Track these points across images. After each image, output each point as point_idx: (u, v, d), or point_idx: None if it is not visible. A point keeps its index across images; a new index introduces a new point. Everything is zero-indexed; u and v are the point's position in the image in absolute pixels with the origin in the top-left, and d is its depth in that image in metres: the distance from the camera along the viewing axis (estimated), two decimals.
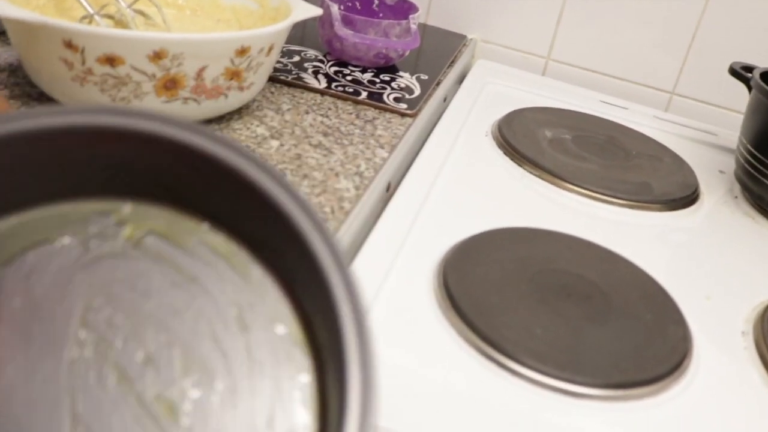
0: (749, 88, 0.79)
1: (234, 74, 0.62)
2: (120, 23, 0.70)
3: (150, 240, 0.37)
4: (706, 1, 0.98)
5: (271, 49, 0.64)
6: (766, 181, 0.75)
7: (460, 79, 0.96)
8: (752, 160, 0.77)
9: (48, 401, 0.33)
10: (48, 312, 0.35)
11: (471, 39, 1.05)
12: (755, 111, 0.78)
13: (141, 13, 0.72)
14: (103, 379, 0.33)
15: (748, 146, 0.78)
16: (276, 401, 0.33)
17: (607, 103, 0.98)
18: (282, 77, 0.77)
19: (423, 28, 1.05)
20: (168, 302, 0.35)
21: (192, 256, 0.36)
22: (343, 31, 0.81)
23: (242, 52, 0.61)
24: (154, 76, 0.58)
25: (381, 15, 0.93)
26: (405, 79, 0.83)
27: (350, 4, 0.92)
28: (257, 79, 0.65)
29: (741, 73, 0.82)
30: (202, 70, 0.60)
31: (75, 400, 0.33)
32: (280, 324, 0.35)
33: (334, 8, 0.82)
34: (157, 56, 0.57)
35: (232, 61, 0.61)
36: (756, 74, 0.78)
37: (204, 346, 0.34)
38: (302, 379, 0.34)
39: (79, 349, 0.34)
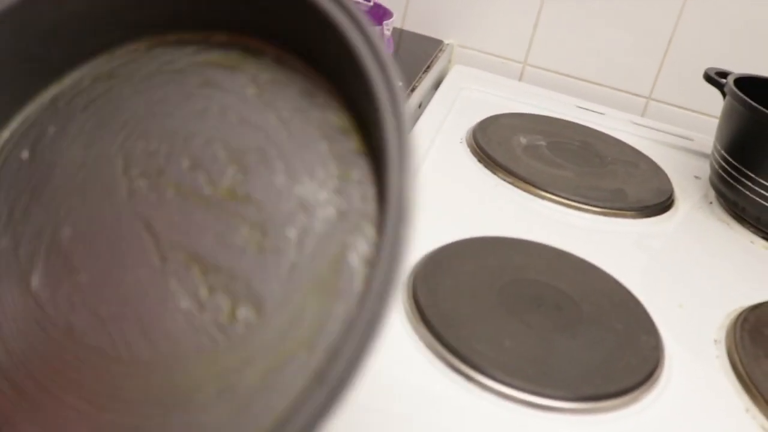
0: (723, 95, 0.79)
1: None
2: None
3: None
4: (682, 6, 0.98)
5: None
6: (739, 186, 0.75)
7: (437, 85, 0.96)
8: (726, 166, 0.77)
9: (125, 235, 0.35)
10: (88, 165, 0.37)
11: (448, 44, 1.05)
12: (729, 117, 0.78)
13: None
14: (164, 196, 0.35)
15: (722, 152, 0.78)
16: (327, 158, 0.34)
17: (583, 108, 0.98)
18: None
19: (399, 33, 1.05)
20: (189, 111, 0.37)
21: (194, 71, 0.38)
22: None
23: None
24: None
25: None
26: None
27: None
28: None
29: (715, 79, 0.82)
30: None
31: (150, 223, 0.35)
32: (306, 97, 0.35)
33: None
34: None
35: None
36: (730, 80, 0.78)
37: (238, 132, 0.35)
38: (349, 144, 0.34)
39: (131, 183, 0.36)
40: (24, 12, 0.36)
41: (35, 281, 0.35)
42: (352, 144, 0.34)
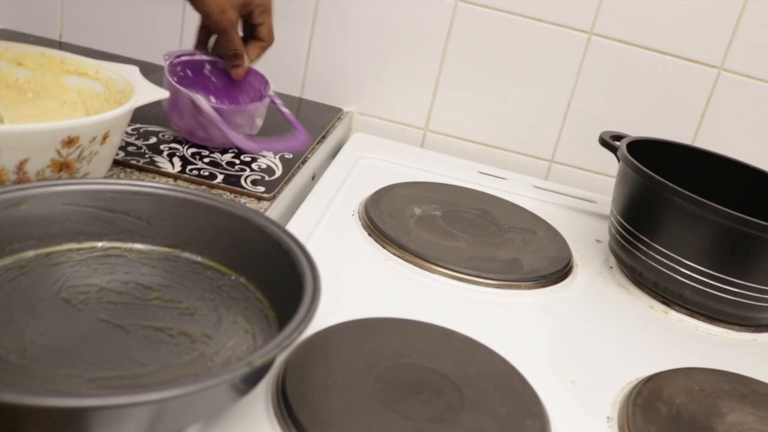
0: (618, 158, 0.79)
1: (63, 165, 0.58)
2: None
3: None
4: (579, 68, 0.99)
5: (106, 137, 0.60)
6: (636, 252, 0.74)
7: (335, 154, 0.93)
8: (622, 231, 0.76)
9: None
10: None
11: (347, 112, 1.03)
12: (622, 181, 0.77)
13: None
14: None
15: (618, 217, 0.77)
16: None
17: (485, 174, 0.97)
18: (133, 161, 0.72)
19: (298, 101, 1.03)
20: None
21: None
22: (224, 129, 0.76)
23: (70, 143, 0.57)
24: None
25: (215, 80, 0.85)
26: (267, 159, 0.80)
27: (182, 74, 0.82)
28: (93, 168, 0.61)
29: (610, 143, 0.81)
30: (23, 163, 0.55)
31: None
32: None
33: (202, 101, 0.76)
34: None
35: (59, 152, 0.57)
36: (623, 145, 0.78)
37: None
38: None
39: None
40: None
41: None
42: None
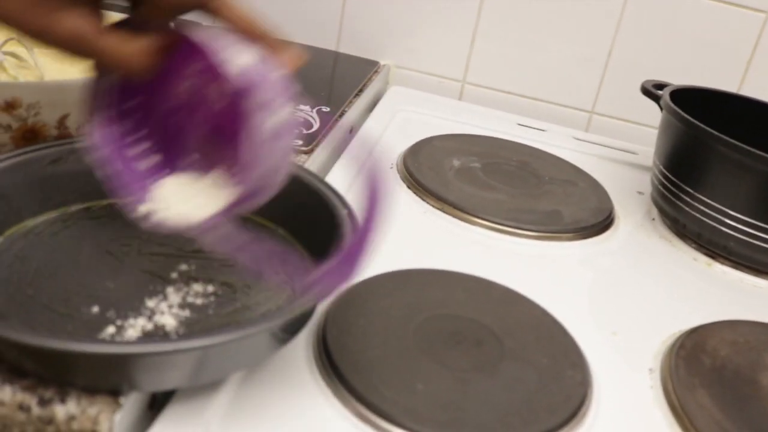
0: (661, 108, 0.77)
1: None
2: None
3: None
4: (620, 17, 0.96)
5: None
6: (679, 203, 0.73)
7: (372, 108, 0.93)
8: (665, 182, 0.74)
9: None
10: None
11: (384, 65, 1.02)
12: (665, 131, 0.76)
13: (13, 55, 0.67)
14: None
15: (661, 168, 0.75)
16: None
17: (524, 125, 0.95)
18: None
19: (334, 55, 1.02)
20: None
21: None
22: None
23: None
24: (9, 127, 0.54)
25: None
26: (304, 112, 0.79)
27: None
28: None
29: (652, 91, 0.79)
30: (63, 118, 0.55)
31: None
32: None
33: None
34: (10, 106, 0.53)
35: None
36: (666, 93, 0.76)
37: None
38: None
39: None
40: None
41: None
42: None
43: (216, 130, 0.46)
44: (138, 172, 0.47)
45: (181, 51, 0.43)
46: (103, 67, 0.44)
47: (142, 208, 0.45)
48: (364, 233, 0.40)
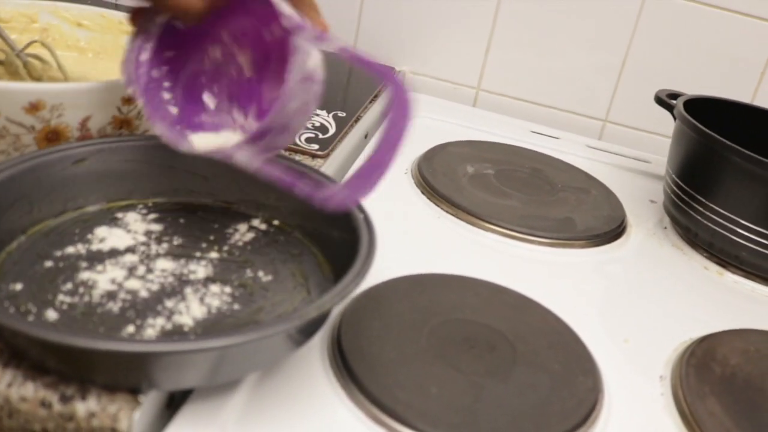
0: (674, 117, 0.78)
1: (123, 122, 0.59)
2: (10, 70, 0.67)
3: None
4: (634, 26, 0.97)
5: None
6: (691, 212, 0.73)
7: (388, 113, 0.93)
8: (678, 191, 0.75)
9: None
10: None
11: (400, 71, 1.03)
12: (679, 140, 0.76)
13: (37, 57, 0.68)
14: None
15: (674, 176, 0.76)
16: None
17: (538, 133, 0.96)
18: None
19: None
20: None
21: None
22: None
23: (130, 100, 0.58)
24: (33, 128, 0.55)
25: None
26: (321, 117, 0.80)
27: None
28: None
29: (666, 101, 0.80)
30: (86, 120, 0.56)
31: None
32: None
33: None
34: (34, 108, 0.54)
35: (119, 110, 0.58)
36: (679, 103, 0.77)
37: None
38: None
39: None
40: None
41: None
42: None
43: (258, 65, 0.54)
44: (170, 113, 0.54)
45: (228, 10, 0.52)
46: (160, 3, 0.50)
47: (177, 128, 0.53)
48: (387, 143, 0.45)
